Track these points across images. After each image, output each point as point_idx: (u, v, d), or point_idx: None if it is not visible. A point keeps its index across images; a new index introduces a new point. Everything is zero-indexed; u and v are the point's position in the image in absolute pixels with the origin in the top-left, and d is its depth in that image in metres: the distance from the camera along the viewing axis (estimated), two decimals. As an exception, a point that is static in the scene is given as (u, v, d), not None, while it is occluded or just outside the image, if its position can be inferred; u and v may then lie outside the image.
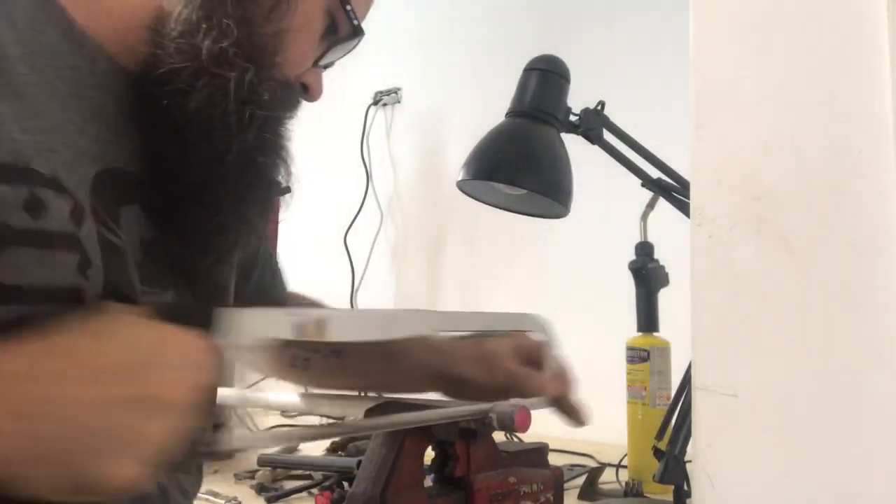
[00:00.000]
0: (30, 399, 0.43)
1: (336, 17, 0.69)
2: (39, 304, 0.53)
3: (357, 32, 0.70)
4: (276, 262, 0.93)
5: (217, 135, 0.61)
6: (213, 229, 0.64)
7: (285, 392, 0.72)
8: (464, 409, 0.65)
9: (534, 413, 0.69)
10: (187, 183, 0.62)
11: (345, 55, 0.74)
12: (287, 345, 0.55)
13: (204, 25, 0.61)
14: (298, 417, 1.59)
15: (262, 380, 0.58)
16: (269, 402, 0.70)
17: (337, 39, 0.70)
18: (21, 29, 0.57)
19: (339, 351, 0.59)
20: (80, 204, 0.57)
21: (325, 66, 0.73)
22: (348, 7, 0.68)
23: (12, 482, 0.42)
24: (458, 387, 0.79)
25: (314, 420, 1.02)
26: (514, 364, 0.79)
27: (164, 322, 0.47)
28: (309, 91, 0.70)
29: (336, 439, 1.29)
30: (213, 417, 0.46)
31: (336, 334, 0.51)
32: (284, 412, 1.58)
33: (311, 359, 0.54)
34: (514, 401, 0.69)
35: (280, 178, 0.67)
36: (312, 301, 0.92)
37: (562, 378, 0.78)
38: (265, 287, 0.88)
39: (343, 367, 0.68)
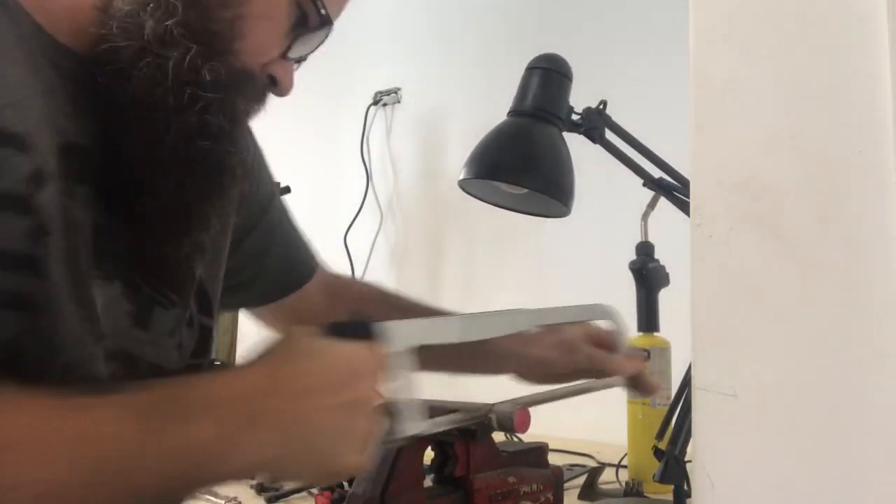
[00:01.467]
0: (280, 412, 0.53)
1: (305, 8, 0.67)
2: None
3: (325, 22, 0.68)
4: (291, 232, 0.94)
5: (156, 116, 0.60)
6: (155, 216, 0.63)
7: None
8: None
9: (534, 413, 0.70)
10: (131, 166, 0.61)
11: (315, 49, 0.71)
12: (424, 349, 0.63)
13: (150, 5, 0.60)
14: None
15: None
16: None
17: (305, 30, 0.68)
18: None
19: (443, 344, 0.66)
20: (44, 167, 0.56)
21: (298, 60, 0.71)
22: None
23: (279, 475, 0.57)
24: (537, 370, 0.91)
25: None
26: (591, 348, 0.90)
27: (339, 337, 0.58)
28: (277, 84, 0.69)
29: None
30: (393, 412, 0.58)
31: (466, 337, 0.67)
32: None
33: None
34: (589, 382, 0.87)
35: (232, 164, 0.66)
36: (381, 290, 1.02)
37: (633, 358, 0.91)
38: (260, 256, 0.89)
39: (433, 354, 0.70)
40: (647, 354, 1.04)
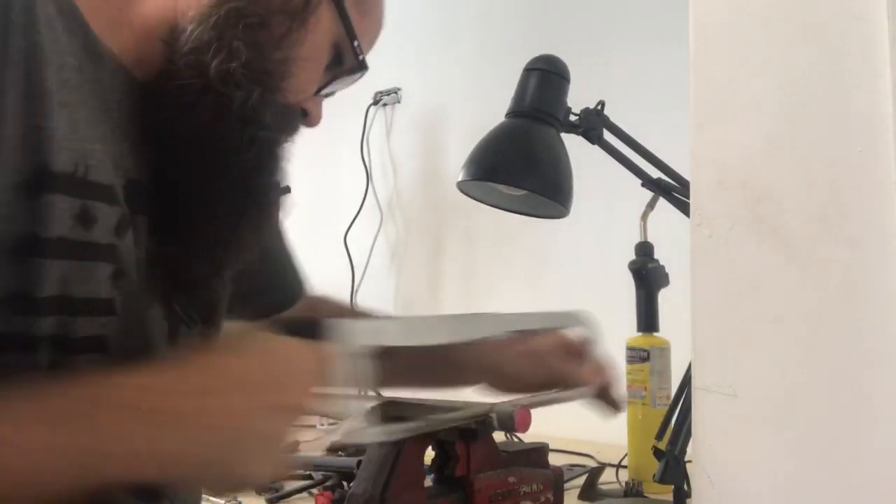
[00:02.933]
0: (198, 411, 0.51)
1: (342, 50, 0.70)
2: (77, 316, 0.56)
3: (361, 67, 0.71)
4: (287, 258, 0.95)
5: (217, 152, 0.62)
6: (207, 244, 0.65)
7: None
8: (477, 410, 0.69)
9: (535, 413, 0.70)
10: (187, 197, 0.63)
11: (346, 87, 0.75)
12: (377, 350, 0.60)
13: (214, 45, 0.62)
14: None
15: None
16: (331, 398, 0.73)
17: (341, 72, 0.71)
18: (48, 43, 0.57)
19: (390, 353, 0.62)
20: (126, 214, 0.59)
21: (326, 95, 0.74)
22: (356, 43, 0.69)
23: (182, 480, 0.52)
24: (506, 381, 0.87)
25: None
26: (558, 360, 0.87)
27: (284, 336, 0.56)
28: (308, 117, 0.71)
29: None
30: (331, 417, 0.53)
31: (424, 340, 0.64)
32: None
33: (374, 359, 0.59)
34: (550, 394, 0.80)
35: (276, 199, 0.69)
36: (354, 309, 0.96)
37: (602, 371, 0.87)
38: (250, 274, 0.89)
39: (393, 365, 0.69)
40: (613, 367, 0.94)
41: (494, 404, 0.69)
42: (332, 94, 0.75)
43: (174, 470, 0.52)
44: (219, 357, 0.55)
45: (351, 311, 0.99)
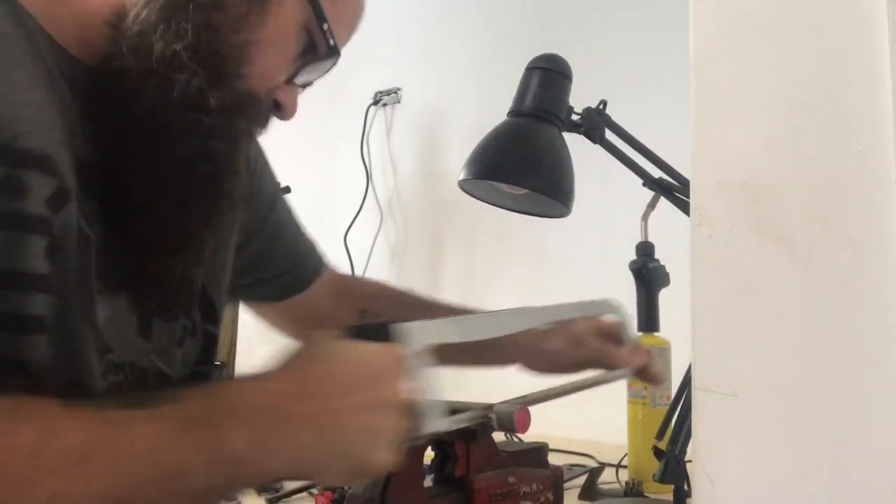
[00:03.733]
0: (310, 415, 0.55)
1: (314, 36, 0.68)
2: (7, 290, 0.54)
3: (333, 52, 0.69)
4: (296, 233, 0.96)
5: (159, 138, 0.60)
6: (152, 235, 0.64)
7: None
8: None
9: (534, 413, 0.69)
10: (134, 184, 0.62)
11: (322, 75, 0.72)
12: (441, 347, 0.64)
13: (161, 27, 0.60)
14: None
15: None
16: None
17: (313, 57, 0.69)
18: None
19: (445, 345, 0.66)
20: (66, 186, 0.57)
21: (303, 86, 0.72)
22: (325, 26, 0.67)
23: (311, 476, 0.59)
24: (547, 361, 0.94)
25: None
26: (599, 341, 0.93)
27: (359, 339, 0.60)
28: (281, 109, 0.69)
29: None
30: (415, 411, 0.59)
31: (480, 335, 0.69)
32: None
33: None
34: (598, 374, 0.89)
35: (230, 189, 0.66)
36: (391, 288, 1.03)
37: (639, 352, 0.95)
38: (265, 258, 0.90)
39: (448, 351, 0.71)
40: (647, 349, 1.05)
41: (494, 404, 0.69)
42: (308, 84, 0.73)
43: (306, 466, 0.56)
44: (315, 365, 0.58)
45: (388, 293, 1.03)
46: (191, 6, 0.61)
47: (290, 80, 0.69)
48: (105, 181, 0.62)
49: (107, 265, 0.62)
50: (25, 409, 0.48)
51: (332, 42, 0.68)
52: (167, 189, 0.62)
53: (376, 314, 0.97)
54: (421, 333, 0.62)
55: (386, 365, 0.59)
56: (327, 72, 0.72)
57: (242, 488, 0.58)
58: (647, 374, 0.96)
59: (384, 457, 0.57)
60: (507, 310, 0.75)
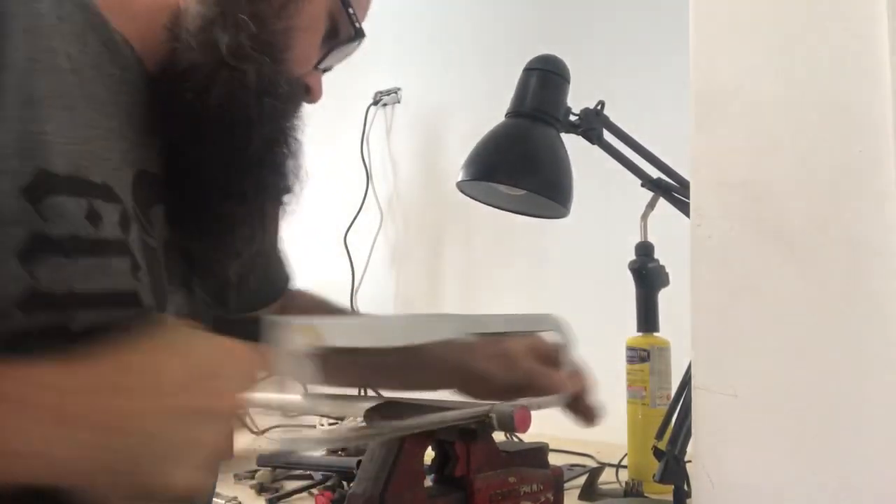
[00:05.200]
0: (100, 411, 0.46)
1: (338, 20, 0.70)
2: (104, 309, 0.56)
3: (358, 35, 0.71)
4: (273, 252, 0.93)
5: (237, 127, 0.62)
6: (237, 221, 0.66)
7: (287, 392, 0.72)
8: (476, 409, 0.67)
9: (535, 413, 0.69)
10: (210, 178, 0.63)
11: (344, 59, 0.74)
12: (323, 350, 0.54)
13: (220, 21, 0.62)
14: (300, 417, 1.60)
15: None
16: (269, 401, 0.70)
17: (338, 42, 0.71)
18: (68, 38, 0.57)
19: (351, 352, 0.58)
20: (127, 210, 0.59)
21: (325, 70, 0.74)
22: (350, 10, 0.69)
23: (84, 488, 0.46)
24: (476, 384, 0.81)
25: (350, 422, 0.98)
26: (532, 362, 0.80)
27: (217, 334, 0.51)
28: (310, 93, 0.71)
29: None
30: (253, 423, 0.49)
31: (375, 341, 0.58)
32: (285, 412, 1.57)
33: (327, 358, 0.52)
34: (520, 401, 0.71)
35: (292, 171, 0.69)
36: (328, 303, 0.93)
37: (577, 377, 0.81)
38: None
39: (356, 365, 0.69)
40: (588, 375, 0.86)
41: (494, 404, 0.69)
42: (330, 68, 0.74)
43: (73, 475, 0.46)
44: (137, 354, 0.49)
45: (324, 308, 0.92)
46: None
47: (317, 66, 0.71)
48: (171, 185, 0.64)
49: (169, 264, 0.64)
50: None
51: (357, 25, 0.70)
52: (251, 175, 0.64)
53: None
54: (297, 331, 0.50)
55: (232, 365, 0.50)
56: (350, 55, 0.74)
57: (18, 482, 0.46)
58: (580, 405, 0.81)
59: (184, 477, 0.47)
60: (424, 315, 0.67)
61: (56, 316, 0.54)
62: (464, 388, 0.82)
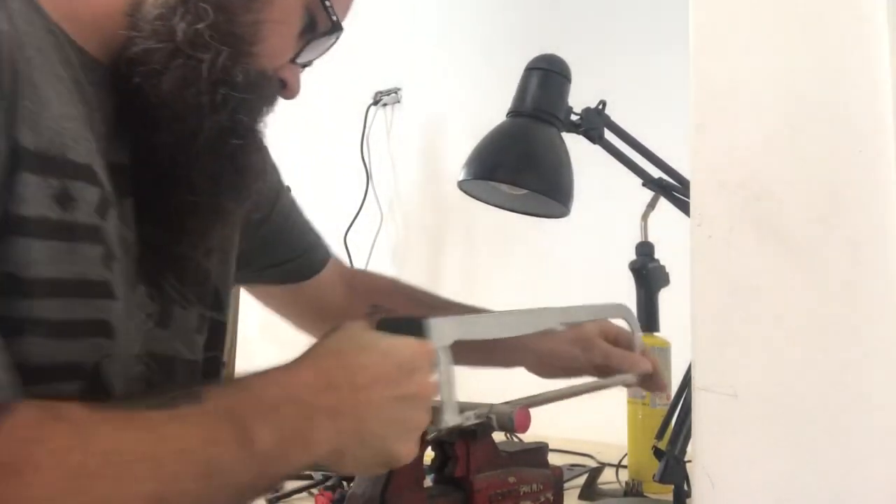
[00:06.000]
0: (336, 407, 0.56)
1: (315, 14, 0.69)
2: (72, 298, 0.55)
3: (335, 28, 0.70)
4: (301, 222, 0.97)
5: (189, 115, 0.61)
6: (186, 210, 0.65)
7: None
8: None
9: (533, 412, 0.69)
10: (162, 165, 0.63)
11: (323, 53, 0.74)
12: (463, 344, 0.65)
13: (180, 9, 0.61)
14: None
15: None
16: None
17: (315, 35, 0.70)
18: (21, 27, 0.57)
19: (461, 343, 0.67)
20: (108, 194, 0.58)
21: (304, 65, 0.73)
22: (327, 2, 0.68)
23: (341, 463, 0.58)
24: (555, 363, 0.95)
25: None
26: (606, 345, 0.93)
27: (388, 332, 0.61)
28: (286, 87, 0.70)
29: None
30: (437, 405, 0.61)
31: (502, 333, 0.72)
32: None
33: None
34: (604, 380, 0.90)
35: (255, 161, 0.68)
36: (421, 292, 1.04)
37: (646, 357, 0.94)
38: (275, 242, 0.92)
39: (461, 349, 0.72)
40: (653, 355, 1.05)
41: (493, 405, 0.69)
42: (309, 63, 0.74)
43: (335, 455, 0.56)
44: (334, 356, 0.58)
45: (395, 287, 1.05)
46: None
47: (293, 59, 0.70)
48: (137, 178, 0.63)
49: (145, 262, 0.64)
50: (53, 414, 0.48)
51: (334, 18, 0.69)
52: (200, 164, 0.63)
53: (389, 310, 0.98)
54: (449, 329, 0.63)
55: (415, 359, 0.60)
56: (328, 49, 0.73)
57: (277, 482, 0.59)
58: (652, 381, 0.95)
59: (408, 448, 0.59)
60: (525, 310, 0.77)
61: (21, 302, 0.53)
62: (541, 368, 0.96)
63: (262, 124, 0.68)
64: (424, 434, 0.62)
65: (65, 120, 0.56)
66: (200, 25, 0.61)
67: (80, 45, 0.62)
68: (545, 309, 0.79)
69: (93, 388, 0.57)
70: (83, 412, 0.49)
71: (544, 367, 0.96)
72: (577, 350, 0.93)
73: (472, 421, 0.68)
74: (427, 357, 0.61)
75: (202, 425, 0.51)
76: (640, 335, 0.96)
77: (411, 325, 0.62)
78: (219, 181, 0.65)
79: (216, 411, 0.52)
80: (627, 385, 0.95)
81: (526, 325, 0.76)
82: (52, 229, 0.54)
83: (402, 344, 0.60)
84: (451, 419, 0.62)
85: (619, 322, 0.97)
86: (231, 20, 0.63)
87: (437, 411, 0.61)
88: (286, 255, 0.94)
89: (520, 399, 0.74)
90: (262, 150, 0.70)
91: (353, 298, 1.00)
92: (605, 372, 0.93)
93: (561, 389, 0.83)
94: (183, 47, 0.61)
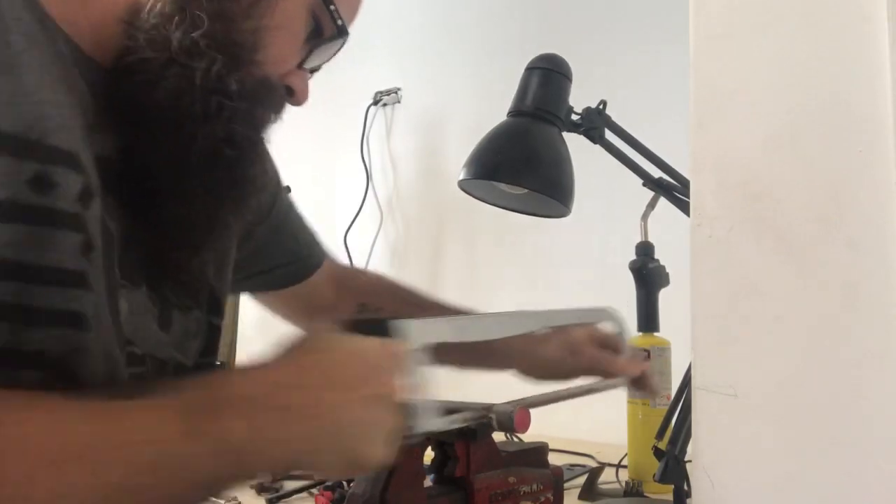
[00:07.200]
0: (307, 403, 0.55)
1: (320, 19, 0.69)
2: (44, 287, 0.54)
3: (341, 33, 0.70)
4: (298, 224, 0.96)
5: (183, 125, 0.61)
6: (179, 222, 0.64)
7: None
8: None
9: (533, 412, 0.69)
10: (156, 175, 0.62)
11: (330, 58, 0.73)
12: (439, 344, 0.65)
13: (176, 17, 0.61)
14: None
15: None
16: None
17: (321, 40, 0.69)
18: (8, 14, 0.56)
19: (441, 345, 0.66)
20: (92, 183, 0.58)
21: (312, 70, 0.73)
22: (332, 7, 0.68)
23: (305, 465, 0.57)
24: (541, 369, 0.94)
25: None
26: (594, 350, 0.93)
27: (358, 333, 0.60)
28: (294, 94, 0.70)
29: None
30: (410, 409, 0.59)
31: (480, 336, 0.70)
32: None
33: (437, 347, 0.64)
34: (588, 384, 0.88)
35: (254, 174, 0.67)
36: (413, 292, 1.02)
37: (635, 361, 0.94)
38: (269, 248, 0.91)
39: (446, 348, 0.71)
40: (647, 355, 1.06)
41: (493, 405, 0.69)
42: (317, 68, 0.73)
43: (303, 456, 0.56)
44: (316, 354, 0.58)
45: (386, 287, 1.05)
46: None
47: (300, 65, 0.70)
48: (125, 176, 0.62)
49: (126, 259, 0.63)
50: (26, 400, 0.48)
51: (340, 22, 0.69)
52: (195, 175, 0.62)
53: (376, 309, 0.98)
54: (420, 331, 0.62)
55: (384, 360, 0.59)
56: (335, 54, 0.73)
57: (246, 478, 0.58)
58: (643, 384, 0.96)
59: (380, 451, 0.57)
60: (506, 312, 0.75)
61: None
62: (530, 372, 0.95)
63: (262, 134, 0.68)
64: (407, 438, 0.61)
65: (50, 106, 0.55)
66: (196, 34, 0.60)
67: (75, 42, 0.62)
68: (526, 312, 0.78)
69: (58, 378, 0.56)
70: (50, 400, 0.49)
71: (533, 371, 0.95)
72: (564, 355, 0.93)
73: (455, 425, 0.67)
74: (393, 358, 0.60)
75: (174, 416, 0.50)
76: (628, 338, 0.96)
77: (378, 327, 0.61)
78: (214, 192, 0.64)
79: (190, 402, 0.52)
80: (617, 388, 0.95)
81: (505, 328, 0.74)
82: (21, 212, 0.53)
83: (369, 345, 0.59)
84: (427, 424, 0.61)
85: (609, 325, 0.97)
86: (230, 28, 0.62)
87: (414, 415, 0.60)
88: (278, 260, 0.94)
89: (520, 399, 0.74)
90: (262, 162, 0.69)
91: (341, 297, 1.00)
92: (594, 376, 0.93)
93: (559, 391, 0.83)
94: (178, 57, 0.60)
